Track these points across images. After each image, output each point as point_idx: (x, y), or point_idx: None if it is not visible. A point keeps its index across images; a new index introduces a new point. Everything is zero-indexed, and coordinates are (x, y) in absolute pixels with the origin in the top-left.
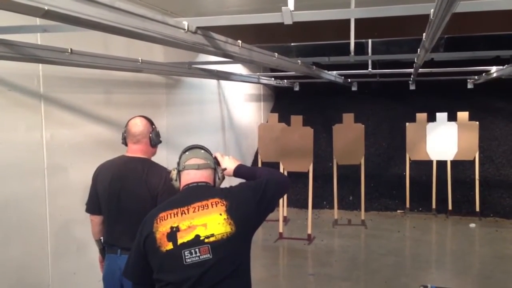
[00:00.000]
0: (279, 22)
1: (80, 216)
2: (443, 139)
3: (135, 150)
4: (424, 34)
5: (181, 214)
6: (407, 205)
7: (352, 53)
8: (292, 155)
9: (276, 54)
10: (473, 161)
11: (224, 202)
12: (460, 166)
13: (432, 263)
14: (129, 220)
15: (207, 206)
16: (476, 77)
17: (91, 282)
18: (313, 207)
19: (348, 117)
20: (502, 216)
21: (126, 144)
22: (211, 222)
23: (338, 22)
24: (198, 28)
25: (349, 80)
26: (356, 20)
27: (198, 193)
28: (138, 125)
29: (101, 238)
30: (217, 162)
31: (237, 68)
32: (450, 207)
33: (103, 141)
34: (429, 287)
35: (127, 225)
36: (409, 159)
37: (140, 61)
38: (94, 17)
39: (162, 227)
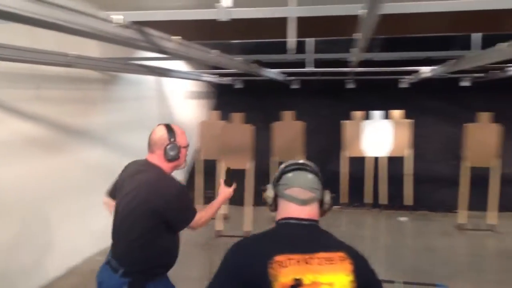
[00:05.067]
0: (214, 18)
1: (11, 218)
2: (378, 136)
3: (151, 160)
4: (356, 34)
5: (305, 263)
6: (344, 200)
7: (291, 51)
8: (232, 152)
9: (214, 51)
10: (406, 157)
11: (350, 260)
12: (394, 162)
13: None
14: (127, 236)
15: (333, 260)
16: (410, 76)
17: None
18: (254, 204)
19: (288, 115)
20: (432, 209)
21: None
22: (338, 282)
23: (279, 20)
24: (134, 23)
25: (291, 78)
26: (296, 19)
27: (318, 239)
28: (155, 133)
29: None
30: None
31: (179, 65)
32: (383, 202)
33: (33, 139)
34: None
35: (126, 242)
36: (346, 156)
37: (70, 55)
38: (14, 8)
39: (283, 277)
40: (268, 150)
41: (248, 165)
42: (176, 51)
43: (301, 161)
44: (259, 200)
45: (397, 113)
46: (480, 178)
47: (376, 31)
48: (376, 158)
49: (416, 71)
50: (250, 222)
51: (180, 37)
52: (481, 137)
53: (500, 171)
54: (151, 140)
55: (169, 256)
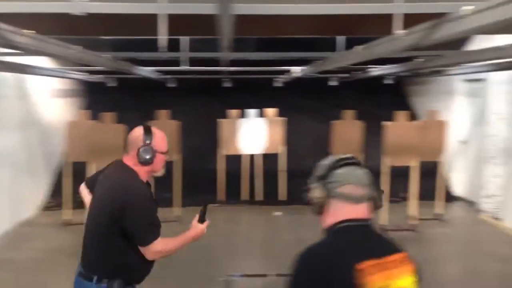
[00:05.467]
0: (68, 12)
1: None
2: (254, 134)
3: (126, 161)
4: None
5: (384, 268)
6: (221, 198)
7: (163, 49)
8: (103, 154)
9: (75, 46)
10: (280, 154)
11: (410, 260)
12: (269, 159)
13: (240, 253)
14: (92, 242)
15: (402, 262)
16: (283, 76)
17: None
18: None
19: (163, 114)
20: (305, 203)
21: None
22: (409, 285)
23: (149, 16)
24: None
25: (167, 76)
26: (167, 16)
27: (382, 241)
28: (131, 133)
29: None
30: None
31: (44, 61)
32: (259, 198)
33: None
34: (235, 276)
35: (90, 248)
36: (222, 154)
37: None
38: None
39: (371, 287)
40: None
41: None
42: (28, 46)
43: (349, 156)
44: None
45: (271, 111)
46: None
47: (241, 31)
48: (252, 156)
49: (288, 71)
50: None
51: (34, 31)
52: (346, 133)
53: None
54: (127, 139)
55: (140, 265)
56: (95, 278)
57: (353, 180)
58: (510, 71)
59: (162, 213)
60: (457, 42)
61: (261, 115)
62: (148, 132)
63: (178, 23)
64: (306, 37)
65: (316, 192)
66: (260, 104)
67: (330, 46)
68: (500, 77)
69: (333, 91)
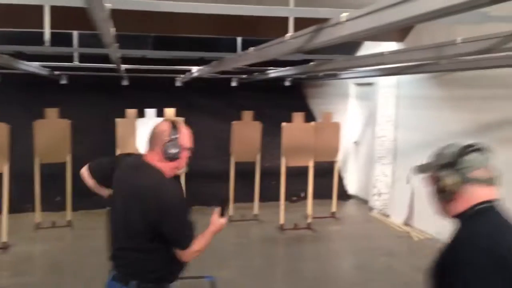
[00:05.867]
0: None
1: None
2: None
3: (150, 158)
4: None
5: None
6: None
7: (47, 43)
8: None
9: None
10: None
11: None
12: None
13: None
14: (129, 246)
15: None
16: (183, 75)
17: None
18: (11, 211)
19: (52, 112)
20: (203, 203)
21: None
22: None
23: (35, 8)
24: None
25: (58, 72)
26: (54, 8)
27: (508, 220)
28: (157, 127)
29: None
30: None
31: None
32: None
33: None
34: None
35: (129, 252)
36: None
37: None
38: None
39: None
40: (30, 150)
41: (3, 168)
42: None
43: (472, 142)
44: (18, 207)
45: (170, 111)
46: (245, 172)
47: (136, 28)
48: None
49: (188, 71)
50: (5, 232)
51: None
52: (245, 133)
53: (260, 165)
54: (152, 134)
55: (177, 264)
56: (133, 282)
57: (483, 164)
58: (395, 77)
59: (52, 217)
60: (352, 47)
61: (160, 114)
62: (175, 126)
63: (68, 17)
64: (206, 36)
65: (448, 179)
66: (160, 104)
67: (232, 46)
68: (387, 81)
69: (234, 92)
